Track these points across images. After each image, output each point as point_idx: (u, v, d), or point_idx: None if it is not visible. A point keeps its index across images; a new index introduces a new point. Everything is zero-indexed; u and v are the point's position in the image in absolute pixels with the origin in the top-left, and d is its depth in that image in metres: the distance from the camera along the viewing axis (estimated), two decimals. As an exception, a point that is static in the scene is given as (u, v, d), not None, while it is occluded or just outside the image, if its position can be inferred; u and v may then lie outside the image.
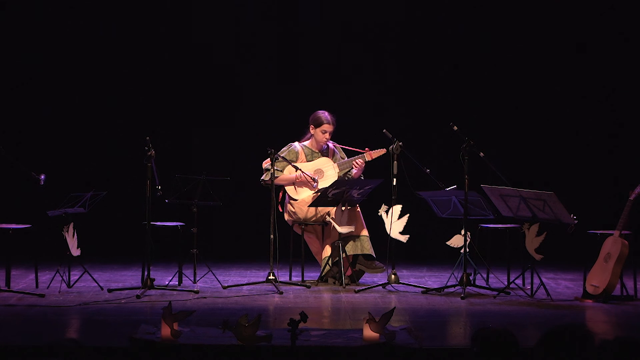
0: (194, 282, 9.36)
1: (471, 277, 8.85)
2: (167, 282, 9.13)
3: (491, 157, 9.01)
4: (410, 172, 9.11)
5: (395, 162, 9.03)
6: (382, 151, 9.41)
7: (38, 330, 7.12)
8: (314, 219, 9.46)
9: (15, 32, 11.46)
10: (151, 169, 8.64)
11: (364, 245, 9.36)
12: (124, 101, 11.55)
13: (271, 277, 8.95)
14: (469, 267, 8.88)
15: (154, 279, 8.74)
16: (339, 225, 9.11)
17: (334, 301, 8.51)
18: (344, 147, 9.62)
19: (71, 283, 8.96)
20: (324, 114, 9.50)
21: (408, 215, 9.02)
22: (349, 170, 9.55)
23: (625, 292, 8.70)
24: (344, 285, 9.09)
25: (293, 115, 10.77)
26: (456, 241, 8.97)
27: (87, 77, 11.50)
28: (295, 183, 9.48)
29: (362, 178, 9.46)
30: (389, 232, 9.00)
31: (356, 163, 9.45)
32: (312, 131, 9.52)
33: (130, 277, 9.78)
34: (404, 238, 9.02)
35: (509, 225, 9.38)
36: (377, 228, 9.22)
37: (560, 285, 9.59)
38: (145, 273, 8.79)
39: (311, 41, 11.73)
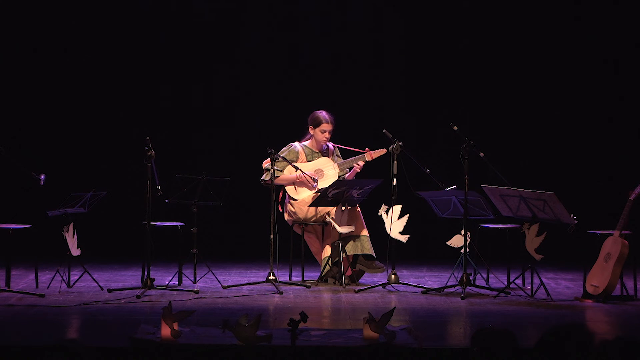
0: (194, 282, 9.36)
1: (471, 277, 8.85)
2: (167, 282, 9.13)
3: (491, 157, 9.01)
4: (410, 172, 9.12)
5: (395, 162, 9.03)
6: (383, 151, 9.41)
7: (38, 330, 7.12)
8: (314, 219, 9.46)
9: (15, 32, 11.46)
10: (151, 169, 8.65)
11: (364, 245, 9.36)
12: (124, 101, 11.55)
13: (271, 277, 8.95)
14: (469, 267, 8.88)
15: (154, 279, 8.73)
16: (339, 225, 9.11)
17: (334, 301, 8.51)
18: (344, 147, 9.61)
19: (71, 283, 8.96)
20: (322, 114, 9.50)
21: (408, 215, 9.02)
22: (348, 172, 9.55)
23: (625, 292, 8.70)
24: (344, 285, 9.09)
25: (293, 115, 10.78)
26: (456, 241, 8.97)
27: (87, 77, 11.51)
28: (295, 183, 9.48)
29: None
30: (389, 232, 9.00)
31: (357, 165, 9.45)
32: (311, 132, 9.52)
33: (130, 277, 9.78)
34: (404, 238, 9.02)
35: (509, 225, 9.38)
36: (377, 228, 9.22)
37: (560, 285, 9.59)
38: (145, 273, 8.79)
39: (312, 40, 11.73)
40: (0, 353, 6.11)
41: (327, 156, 9.59)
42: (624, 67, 11.63)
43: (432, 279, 9.87)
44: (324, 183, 9.38)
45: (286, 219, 9.59)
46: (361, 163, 9.46)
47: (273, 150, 9.07)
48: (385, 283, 9.08)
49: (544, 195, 8.40)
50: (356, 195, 9.16)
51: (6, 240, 8.81)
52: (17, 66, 11.47)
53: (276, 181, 9.19)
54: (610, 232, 8.61)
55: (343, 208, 9.11)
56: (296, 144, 9.57)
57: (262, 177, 9.43)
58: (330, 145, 9.62)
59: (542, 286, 8.65)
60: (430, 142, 11.48)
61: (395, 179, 9.01)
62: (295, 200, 9.48)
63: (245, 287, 9.10)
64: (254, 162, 9.79)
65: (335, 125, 9.50)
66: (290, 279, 9.57)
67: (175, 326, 6.29)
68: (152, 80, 11.60)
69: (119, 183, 10.86)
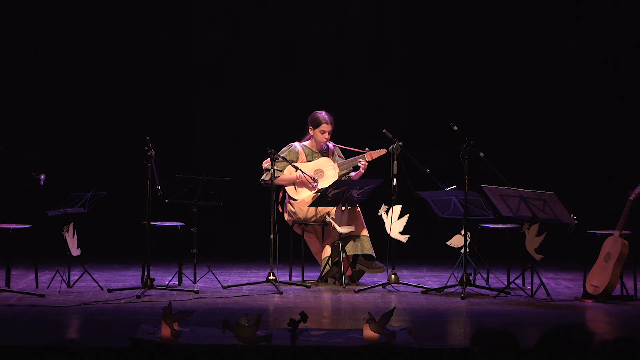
0: (194, 282, 9.36)
1: (471, 277, 8.85)
2: (167, 282, 9.13)
3: (491, 158, 9.01)
4: (410, 172, 9.11)
5: (395, 162, 9.03)
6: (383, 151, 9.41)
7: (38, 330, 7.12)
8: (314, 219, 9.46)
9: (15, 32, 11.46)
10: (151, 169, 8.65)
11: (364, 245, 9.36)
12: (124, 101, 11.55)
13: (271, 277, 8.95)
14: (469, 267, 8.88)
15: (154, 279, 8.73)
16: (339, 225, 9.11)
17: (334, 301, 8.51)
18: (344, 147, 9.62)
19: (71, 283, 8.96)
20: (322, 114, 9.50)
21: (408, 215, 9.02)
22: (349, 172, 9.55)
23: (625, 292, 8.70)
24: (344, 285, 9.09)
25: (293, 115, 10.77)
26: (456, 241, 8.97)
27: (87, 77, 11.51)
28: (295, 183, 9.48)
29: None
30: (389, 232, 9.00)
31: (360, 164, 9.45)
32: (311, 132, 9.53)
33: (130, 277, 9.78)
34: (404, 238, 9.02)
35: (509, 225, 9.38)
36: (377, 228, 9.22)
37: (560, 285, 9.59)
38: (145, 273, 8.79)
39: (312, 40, 11.73)
40: (0, 353, 6.11)
41: (327, 156, 9.59)
42: (624, 67, 11.62)
43: (432, 279, 9.87)
44: (324, 183, 9.38)
45: (286, 219, 9.59)
46: (364, 163, 9.46)
47: (273, 150, 9.07)
48: (385, 283, 9.08)
49: (544, 195, 8.40)
50: (356, 195, 9.16)
51: (6, 240, 8.81)
52: (17, 66, 11.47)
53: (276, 181, 9.19)
54: (610, 232, 8.61)
55: (343, 208, 9.11)
56: (296, 144, 9.57)
57: (262, 177, 9.43)
58: (331, 145, 9.62)
59: (542, 286, 8.65)
60: (430, 142, 11.47)
61: (395, 179, 9.01)
62: (295, 200, 9.49)
63: (245, 287, 9.10)
64: (254, 162, 9.79)
65: (335, 126, 9.50)
66: (290, 279, 9.57)
67: (175, 326, 6.29)
68: (152, 80, 11.60)
69: (119, 183, 10.85)
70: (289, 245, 9.62)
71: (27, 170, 8.69)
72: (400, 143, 9.03)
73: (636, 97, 11.61)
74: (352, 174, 9.55)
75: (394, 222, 9.00)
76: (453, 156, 9.21)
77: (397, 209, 9.01)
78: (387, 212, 9.02)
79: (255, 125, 11.61)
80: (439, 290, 8.92)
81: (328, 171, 9.52)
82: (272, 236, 9.00)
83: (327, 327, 7.25)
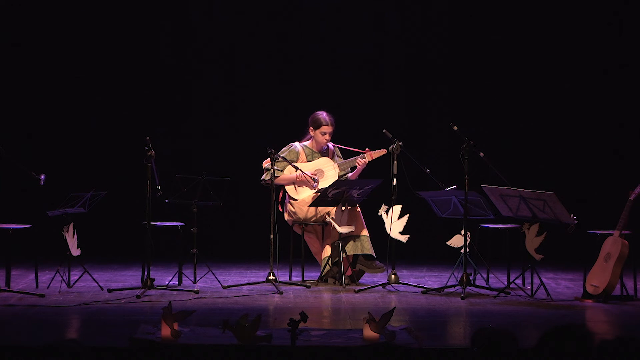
0: (194, 282, 9.36)
1: (471, 277, 8.85)
2: (167, 282, 9.13)
3: (491, 157, 9.01)
4: (410, 172, 9.11)
5: (395, 162, 9.03)
6: (383, 151, 9.41)
7: (38, 330, 7.12)
8: (314, 219, 9.46)
9: (15, 32, 11.46)
10: (151, 169, 8.65)
11: (364, 245, 9.36)
12: (125, 101, 11.55)
13: (271, 277, 8.95)
14: (469, 267, 8.88)
15: (154, 279, 8.73)
16: (339, 225, 9.10)
17: (334, 301, 8.51)
18: (344, 147, 9.61)
19: (71, 283, 8.96)
20: (322, 115, 9.49)
21: (408, 215, 9.02)
22: (349, 172, 9.55)
23: (625, 292, 8.70)
24: (344, 285, 9.09)
25: (293, 115, 10.77)
26: (456, 241, 8.97)
27: (86, 77, 11.50)
28: (295, 183, 9.48)
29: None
30: (389, 232, 9.00)
31: (359, 163, 9.45)
32: (312, 133, 9.53)
33: (130, 277, 9.78)
34: (404, 238, 9.02)
35: (509, 225, 9.38)
36: (377, 228, 9.22)
37: (560, 285, 9.59)
38: (145, 273, 8.79)
39: (312, 40, 11.73)
40: (0, 353, 6.10)
41: (327, 156, 9.59)
42: (625, 67, 11.62)
43: (432, 279, 9.87)
44: (324, 183, 9.38)
45: (286, 219, 9.59)
46: (364, 163, 9.45)
47: (273, 150, 9.07)
48: (385, 283, 9.08)
49: (544, 195, 8.40)
50: (356, 195, 9.16)
51: (6, 240, 8.81)
52: (16, 66, 11.46)
53: (276, 181, 9.19)
54: (610, 232, 8.61)
55: (343, 208, 9.11)
56: (296, 144, 9.57)
57: (262, 177, 9.43)
58: (331, 145, 9.62)
59: (542, 286, 8.65)
60: (430, 142, 11.47)
61: (395, 179, 9.01)
62: (295, 200, 9.49)
63: (245, 287, 9.10)
64: (254, 162, 9.78)
65: (335, 126, 9.50)
66: (290, 279, 9.57)
67: (175, 326, 6.29)
68: (152, 80, 11.59)
69: (119, 183, 10.85)
70: (289, 245, 9.62)
71: (27, 170, 8.69)
72: (400, 143, 9.03)
73: (636, 97, 11.60)
74: (349, 174, 9.55)
75: (394, 222, 9.00)
76: (453, 156, 9.21)
77: (397, 209, 9.01)
78: (387, 212, 9.02)
79: (255, 125, 11.60)
80: (439, 290, 8.92)
81: (328, 171, 9.52)
82: (272, 236, 9.00)
83: (327, 327, 7.25)
